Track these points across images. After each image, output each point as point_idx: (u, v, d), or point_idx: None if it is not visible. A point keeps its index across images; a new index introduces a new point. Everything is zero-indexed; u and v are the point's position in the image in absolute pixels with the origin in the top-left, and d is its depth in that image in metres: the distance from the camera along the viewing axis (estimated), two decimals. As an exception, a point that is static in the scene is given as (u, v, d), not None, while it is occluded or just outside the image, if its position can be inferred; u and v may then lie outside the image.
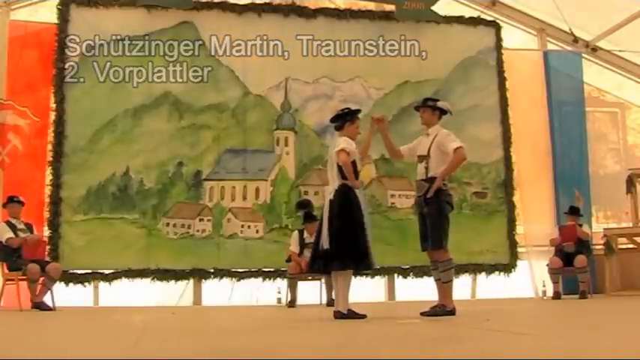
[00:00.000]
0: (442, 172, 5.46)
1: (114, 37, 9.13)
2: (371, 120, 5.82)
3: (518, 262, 9.71)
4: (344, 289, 5.43)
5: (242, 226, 9.11)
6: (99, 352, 3.33)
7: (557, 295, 8.76)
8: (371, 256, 5.37)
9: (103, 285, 8.70)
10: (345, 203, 5.40)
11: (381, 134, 5.79)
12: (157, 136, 9.09)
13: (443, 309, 5.40)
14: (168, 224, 8.94)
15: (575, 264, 8.66)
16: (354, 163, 5.49)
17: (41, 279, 7.52)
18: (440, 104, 5.74)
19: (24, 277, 7.39)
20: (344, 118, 5.65)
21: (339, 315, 5.35)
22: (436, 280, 5.59)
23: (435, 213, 5.45)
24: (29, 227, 7.83)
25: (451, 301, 5.48)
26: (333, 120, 5.77)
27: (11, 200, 7.83)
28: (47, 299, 7.62)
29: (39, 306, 7.27)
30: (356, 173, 5.51)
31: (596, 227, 9.81)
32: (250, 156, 9.29)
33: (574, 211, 9.09)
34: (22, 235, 7.62)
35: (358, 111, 5.77)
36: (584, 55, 10.57)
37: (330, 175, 5.62)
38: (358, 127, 5.69)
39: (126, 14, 9.21)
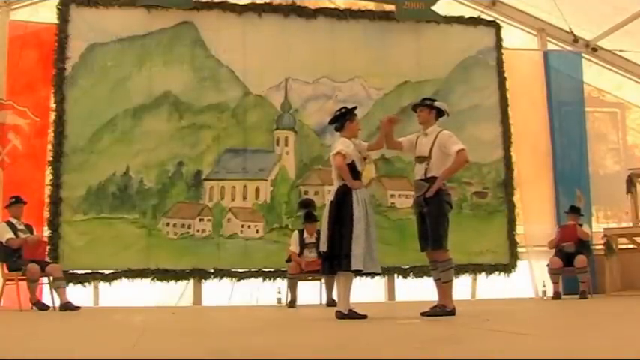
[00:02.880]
0: (443, 173, 5.45)
1: (114, 37, 9.12)
2: (384, 120, 5.77)
3: (518, 262, 9.71)
4: (345, 289, 5.44)
5: (242, 226, 9.10)
6: (99, 352, 3.33)
7: (557, 295, 8.76)
8: (365, 258, 5.31)
9: (103, 285, 8.69)
10: (344, 204, 5.41)
11: (386, 134, 5.77)
12: (157, 136, 9.08)
13: (443, 309, 5.40)
14: (168, 224, 8.94)
15: (575, 264, 8.66)
16: (352, 164, 5.49)
17: (42, 279, 7.55)
18: (438, 104, 5.73)
19: (24, 277, 7.39)
20: (343, 119, 5.66)
21: (339, 315, 5.36)
22: (436, 280, 5.59)
23: (435, 213, 5.45)
24: (29, 228, 7.83)
25: (451, 301, 5.48)
26: (332, 122, 5.79)
27: (18, 201, 7.83)
28: (48, 299, 7.64)
29: (68, 306, 7.27)
30: (356, 174, 5.52)
31: (596, 227, 9.80)
32: (250, 156, 9.28)
33: (574, 211, 9.09)
34: (22, 235, 7.62)
35: (355, 108, 5.78)
36: (584, 55, 10.57)
37: (333, 176, 5.65)
38: (358, 124, 5.71)
39: (126, 14, 9.20)
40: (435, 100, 5.80)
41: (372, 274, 5.72)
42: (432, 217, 5.45)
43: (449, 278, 5.50)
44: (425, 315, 5.34)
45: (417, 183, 5.63)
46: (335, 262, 5.37)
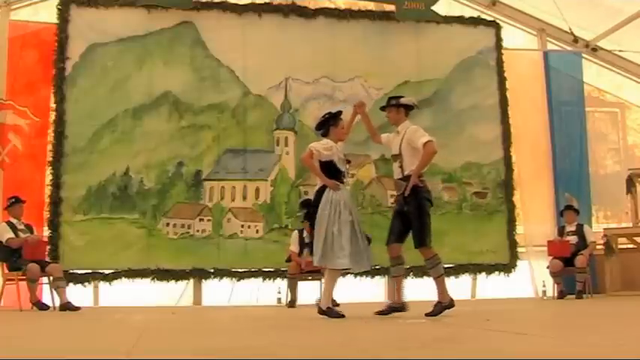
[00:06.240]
0: (415, 169, 5.45)
1: (114, 37, 9.12)
2: (353, 107, 5.97)
3: (518, 262, 9.70)
4: (327, 286, 5.54)
5: (242, 226, 9.10)
6: (99, 352, 3.33)
7: (561, 295, 8.75)
8: (327, 255, 5.38)
9: (103, 285, 8.69)
10: (322, 202, 5.50)
11: (361, 117, 5.89)
12: (157, 136, 9.08)
13: (440, 306, 5.41)
14: (168, 224, 8.93)
15: (576, 264, 8.65)
16: (331, 163, 5.57)
17: (42, 279, 7.56)
18: (403, 100, 5.75)
19: (24, 277, 7.39)
20: (327, 124, 5.75)
21: (319, 310, 5.47)
22: (394, 277, 5.61)
23: (416, 212, 5.43)
24: (29, 228, 7.83)
25: (446, 294, 5.47)
26: (317, 128, 5.90)
27: (17, 201, 7.82)
28: (48, 299, 7.64)
29: (67, 307, 7.25)
30: (338, 173, 5.61)
31: (596, 227, 9.81)
32: (250, 156, 9.28)
33: (570, 207, 9.12)
34: (22, 235, 7.62)
35: (339, 113, 5.85)
36: (584, 55, 10.57)
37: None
38: (344, 127, 5.79)
39: (126, 14, 9.20)
40: (400, 98, 5.81)
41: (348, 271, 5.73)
42: (414, 216, 5.43)
43: (439, 273, 5.50)
44: (429, 315, 5.34)
45: (396, 182, 5.65)
46: (327, 259, 5.45)
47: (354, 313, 5.57)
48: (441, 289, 5.49)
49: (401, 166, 5.54)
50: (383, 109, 5.84)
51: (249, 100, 9.40)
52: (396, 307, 5.54)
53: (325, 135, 5.76)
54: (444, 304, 5.41)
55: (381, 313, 5.49)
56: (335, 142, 5.69)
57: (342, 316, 5.42)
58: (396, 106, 5.71)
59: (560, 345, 3.28)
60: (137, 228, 8.84)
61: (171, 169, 9.07)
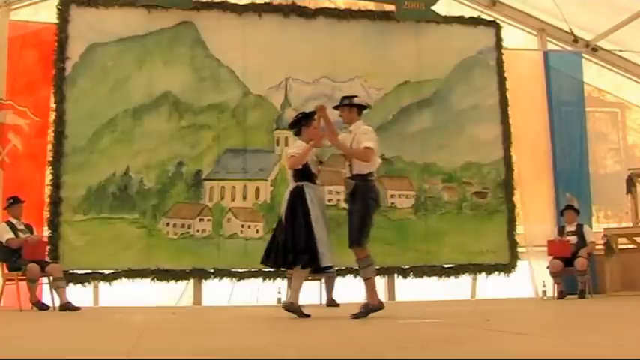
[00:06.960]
0: (337, 141, 5.50)
1: (114, 37, 9.12)
2: (315, 109, 5.94)
3: (518, 262, 9.71)
4: (299, 284, 5.70)
5: (242, 226, 9.10)
6: (99, 352, 3.33)
7: (561, 295, 8.75)
8: (320, 254, 5.47)
9: (103, 285, 8.70)
10: (296, 203, 5.56)
11: (323, 120, 5.85)
12: (157, 136, 9.08)
13: (367, 308, 5.37)
14: (168, 224, 8.93)
15: (576, 266, 8.64)
16: (306, 166, 5.67)
17: (42, 279, 7.56)
18: (356, 100, 5.76)
19: (24, 277, 7.39)
20: (299, 124, 5.82)
21: (284, 305, 5.68)
22: (365, 279, 5.58)
23: (358, 209, 5.41)
24: (29, 228, 7.83)
25: (376, 296, 5.45)
26: (290, 127, 6.02)
27: (16, 201, 7.82)
28: (48, 299, 7.64)
29: (67, 307, 7.25)
30: (310, 175, 5.70)
31: (596, 227, 9.82)
32: (250, 156, 9.29)
33: (570, 207, 9.13)
34: (22, 235, 7.62)
35: (313, 113, 5.87)
36: (584, 55, 10.57)
37: (288, 177, 5.91)
38: (316, 127, 5.81)
39: (126, 14, 9.20)
40: (353, 97, 5.81)
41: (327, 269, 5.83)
42: (357, 214, 5.39)
43: (369, 275, 5.47)
44: (355, 317, 5.31)
45: (346, 180, 5.64)
46: (302, 256, 5.52)
47: (353, 313, 5.54)
48: (371, 291, 5.46)
49: (350, 165, 5.54)
50: (337, 107, 5.84)
51: (249, 100, 9.41)
52: (373, 307, 5.48)
53: (298, 134, 5.85)
54: (371, 307, 5.38)
55: (357, 316, 5.38)
56: (307, 142, 5.72)
57: (307, 315, 5.50)
58: (349, 106, 5.70)
59: (560, 345, 3.28)
60: (137, 228, 8.84)
61: (171, 169, 9.07)
